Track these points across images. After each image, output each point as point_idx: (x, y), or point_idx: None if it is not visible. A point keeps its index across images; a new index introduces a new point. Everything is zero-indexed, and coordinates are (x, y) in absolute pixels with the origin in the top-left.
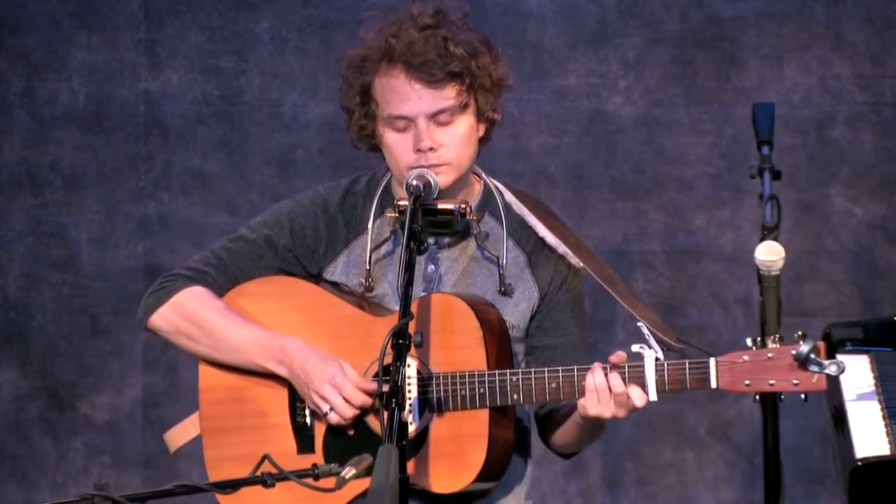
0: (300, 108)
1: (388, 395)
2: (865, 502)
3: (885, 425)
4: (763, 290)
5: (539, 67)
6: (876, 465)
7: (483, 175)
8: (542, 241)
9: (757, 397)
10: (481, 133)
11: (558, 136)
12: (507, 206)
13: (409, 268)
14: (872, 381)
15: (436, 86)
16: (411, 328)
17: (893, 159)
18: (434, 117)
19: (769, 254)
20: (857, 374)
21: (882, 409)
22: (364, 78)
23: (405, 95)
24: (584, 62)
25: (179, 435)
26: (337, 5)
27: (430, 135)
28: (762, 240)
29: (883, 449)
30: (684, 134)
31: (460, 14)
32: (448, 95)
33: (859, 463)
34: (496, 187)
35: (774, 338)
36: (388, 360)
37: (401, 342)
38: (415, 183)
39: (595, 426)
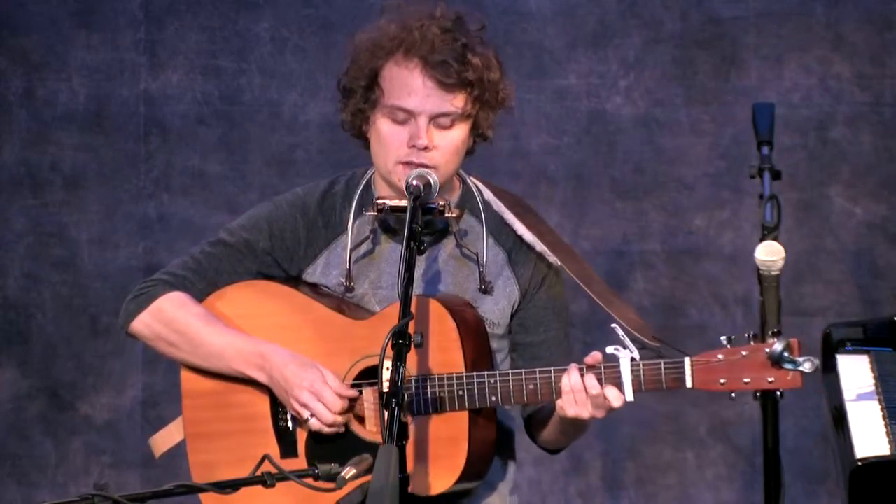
0: (300, 108)
1: (388, 395)
2: (865, 502)
3: (885, 425)
4: (763, 290)
5: (539, 67)
6: (876, 465)
7: (462, 174)
8: (520, 238)
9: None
10: (469, 145)
11: (558, 136)
12: (486, 203)
13: (409, 268)
14: (872, 381)
15: (447, 89)
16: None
17: (893, 159)
18: (435, 119)
19: (769, 254)
20: (857, 374)
21: (882, 409)
22: (376, 62)
23: (415, 90)
24: (584, 62)
25: (164, 440)
26: (337, 5)
27: (428, 134)
28: (762, 240)
29: (883, 449)
30: (684, 134)
31: (478, 26)
32: (456, 102)
33: (859, 463)
34: (475, 185)
35: (748, 335)
36: (374, 362)
37: (400, 342)
38: (415, 182)
39: (576, 425)
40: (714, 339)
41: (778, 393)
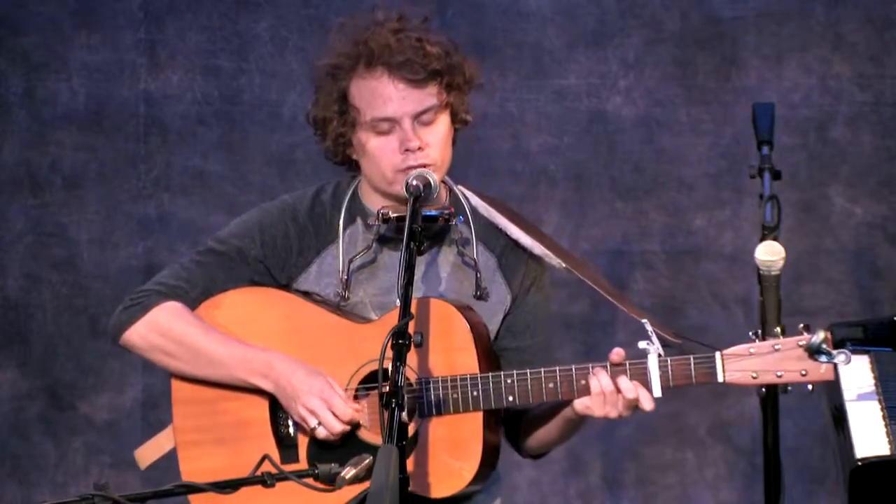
0: (300, 108)
1: (388, 396)
2: (865, 502)
3: (885, 425)
4: (763, 290)
5: (539, 67)
6: (876, 465)
7: (449, 182)
8: (514, 242)
9: (763, 389)
10: (452, 135)
11: (558, 136)
12: (473, 210)
13: (409, 268)
14: (872, 381)
15: (419, 85)
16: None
17: (893, 159)
18: (418, 117)
19: (769, 254)
20: (857, 374)
21: (882, 409)
22: (340, 84)
23: (389, 96)
24: (584, 62)
25: (151, 451)
26: (337, 5)
27: (417, 134)
28: (762, 240)
29: (883, 449)
30: (684, 134)
31: (420, 19)
32: (431, 93)
33: (859, 463)
34: (462, 193)
35: (778, 329)
36: (376, 364)
37: (400, 342)
38: (415, 183)
39: (582, 422)
40: (714, 340)
41: (809, 387)
